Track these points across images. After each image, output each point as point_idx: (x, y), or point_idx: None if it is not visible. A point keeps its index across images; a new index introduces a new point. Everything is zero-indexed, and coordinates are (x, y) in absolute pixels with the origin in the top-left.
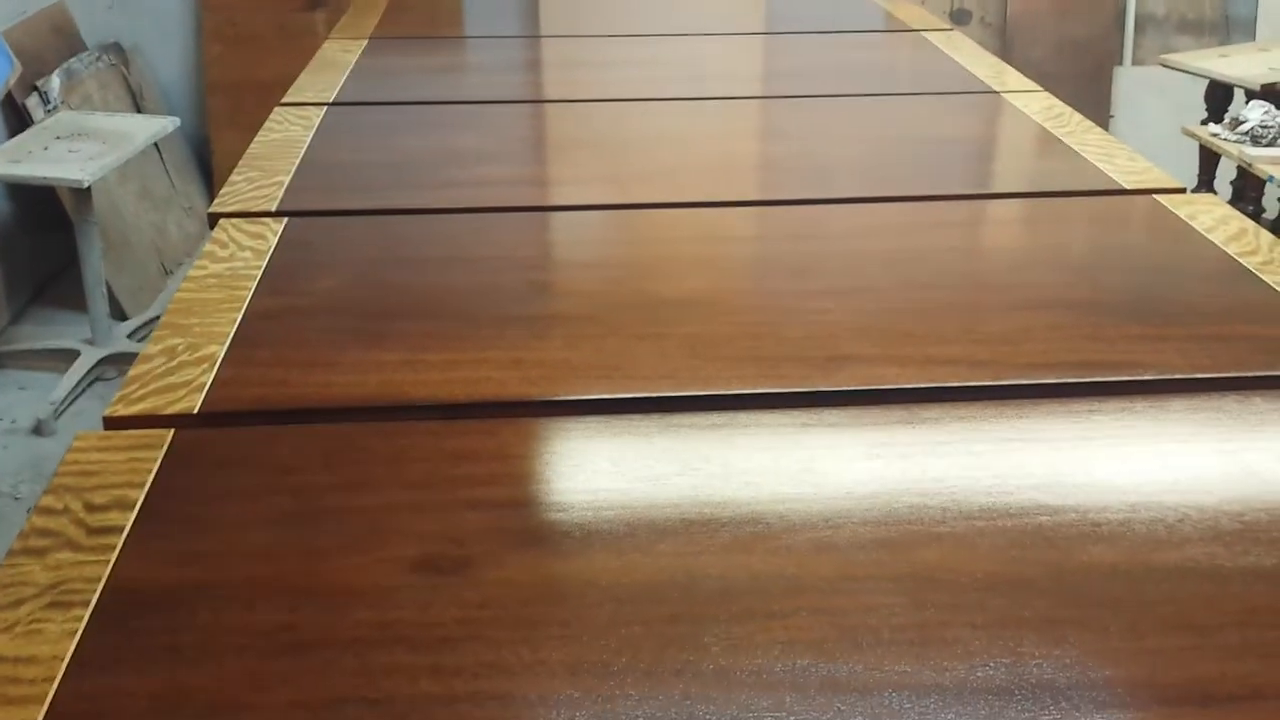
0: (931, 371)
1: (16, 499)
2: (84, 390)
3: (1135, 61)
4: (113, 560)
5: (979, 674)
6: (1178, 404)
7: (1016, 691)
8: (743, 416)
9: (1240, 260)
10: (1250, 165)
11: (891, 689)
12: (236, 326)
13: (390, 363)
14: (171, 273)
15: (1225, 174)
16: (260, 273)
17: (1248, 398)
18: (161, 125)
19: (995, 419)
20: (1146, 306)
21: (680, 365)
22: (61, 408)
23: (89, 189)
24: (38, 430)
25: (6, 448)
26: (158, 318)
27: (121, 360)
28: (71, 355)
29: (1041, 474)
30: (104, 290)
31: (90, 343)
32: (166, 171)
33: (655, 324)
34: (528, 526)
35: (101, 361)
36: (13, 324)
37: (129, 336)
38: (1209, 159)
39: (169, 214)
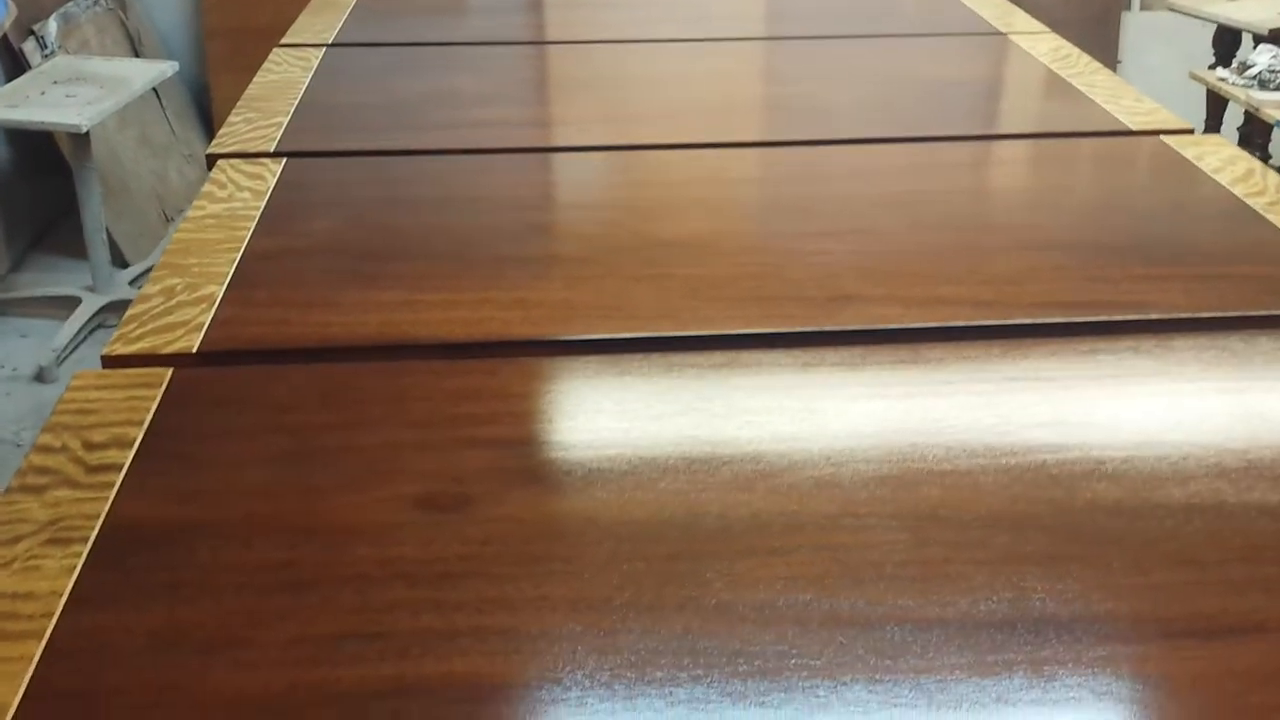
0: (935, 311)
1: (18, 446)
2: (85, 337)
3: (1143, 6)
4: (111, 497)
5: (981, 608)
6: (1182, 343)
7: (1019, 625)
8: (744, 356)
9: (1247, 201)
10: (1257, 110)
11: (893, 623)
12: (235, 266)
13: (389, 303)
14: (172, 220)
15: (1233, 119)
16: (259, 213)
17: (1253, 337)
18: (160, 70)
19: (999, 358)
20: (1152, 246)
21: (681, 306)
22: (63, 355)
23: (87, 134)
24: (39, 377)
25: (9, 395)
26: None
27: (123, 307)
28: (73, 302)
29: (1045, 412)
30: (104, 237)
31: (91, 290)
32: (166, 118)
33: (656, 265)
34: (529, 465)
35: (103, 309)
36: (13, 271)
37: (130, 284)
38: (1216, 104)
39: (169, 160)
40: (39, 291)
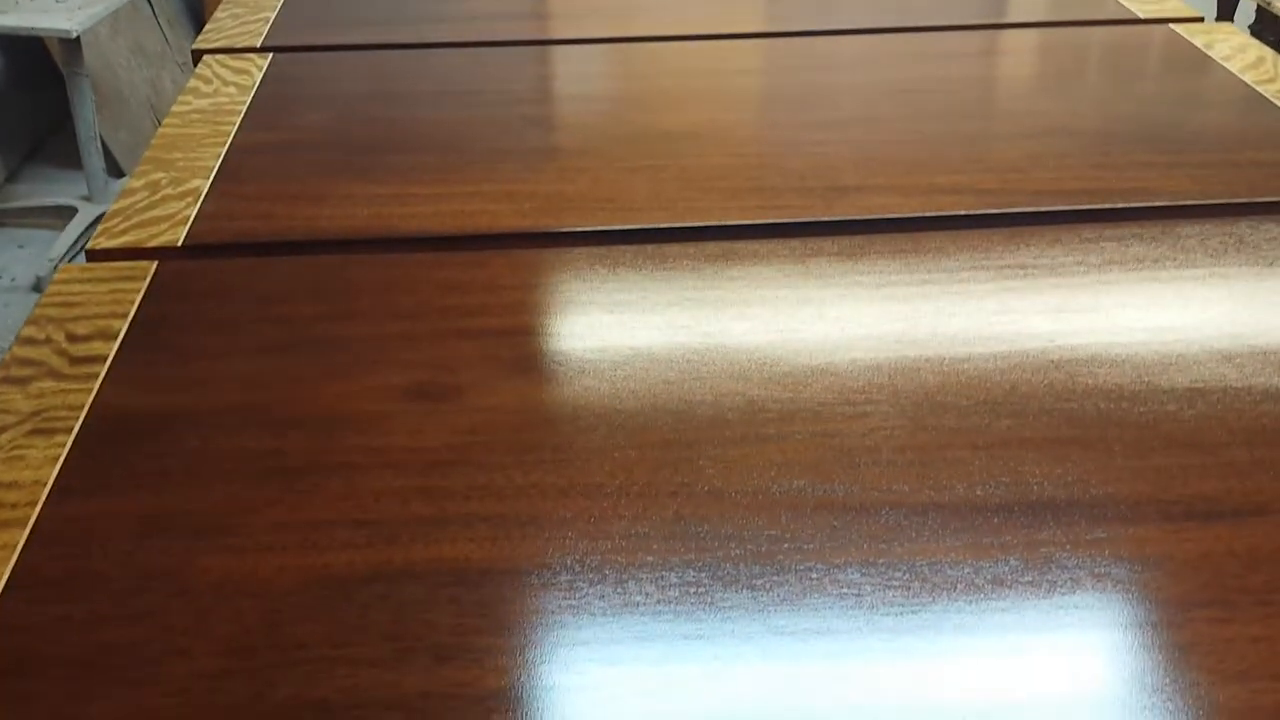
0: (936, 200)
1: None
2: (82, 247)
3: None
4: (96, 388)
5: (978, 493)
6: (1189, 229)
7: (1016, 509)
8: (741, 246)
9: (1257, 88)
10: (1269, 3)
11: (889, 507)
12: (221, 161)
13: (379, 196)
14: None
15: (1243, 18)
16: (245, 108)
17: (1260, 223)
18: None
19: (1001, 246)
20: (1159, 134)
21: (677, 197)
22: (60, 264)
23: (78, 40)
24: (37, 287)
25: (7, 305)
26: None
27: None
28: (69, 212)
29: (1047, 300)
30: (98, 145)
31: (88, 199)
32: (159, 25)
33: (651, 157)
34: (519, 355)
35: (99, 218)
36: (9, 182)
37: None
38: (1227, 2)
39: (163, 69)
40: (35, 202)
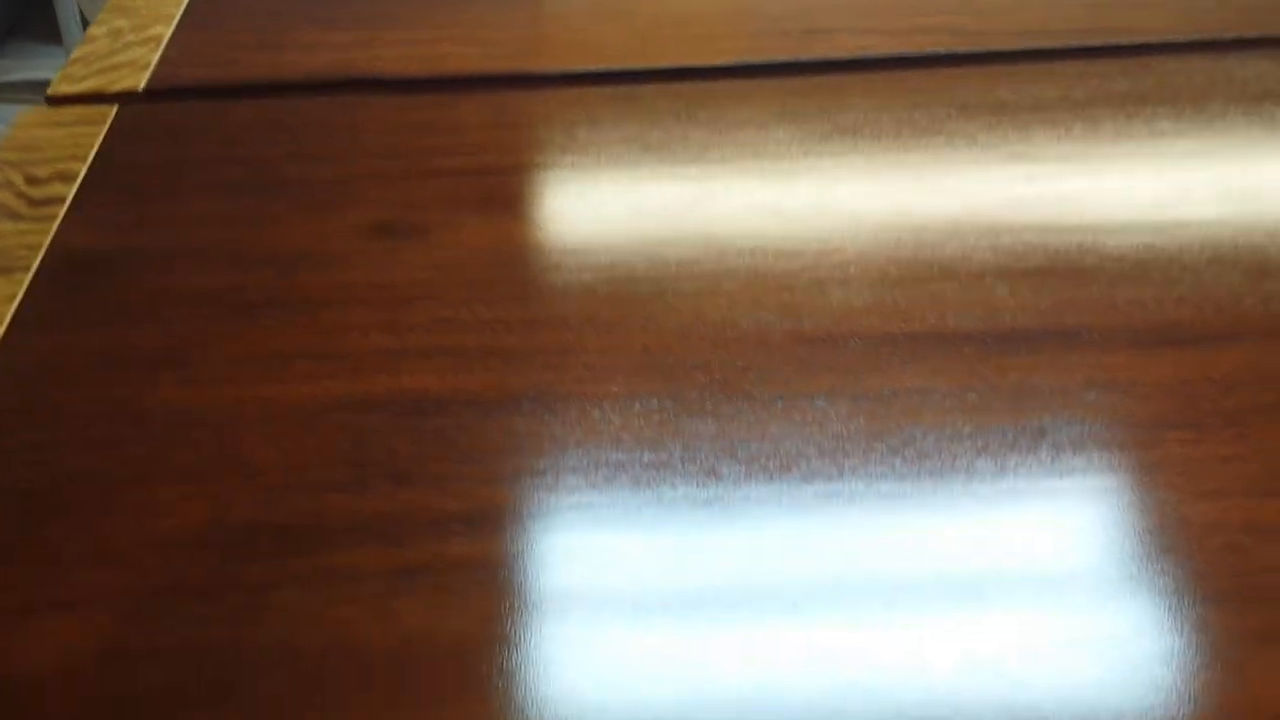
0: (916, 40)
1: None
2: None
3: None
4: (54, 228)
5: (950, 323)
6: (1174, 64)
7: (988, 338)
8: (715, 87)
9: None
10: None
11: (858, 338)
12: (184, 8)
13: (345, 43)
14: None
15: None
16: None
17: (1247, 59)
18: None
19: (982, 83)
20: None
21: (650, 40)
22: None
23: None
24: None
25: None
26: None
27: None
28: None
29: (1029, 135)
30: (78, 19)
31: None
32: None
33: (624, 1)
34: (488, 195)
35: None
36: None
37: None
38: None
39: None
40: (16, 76)
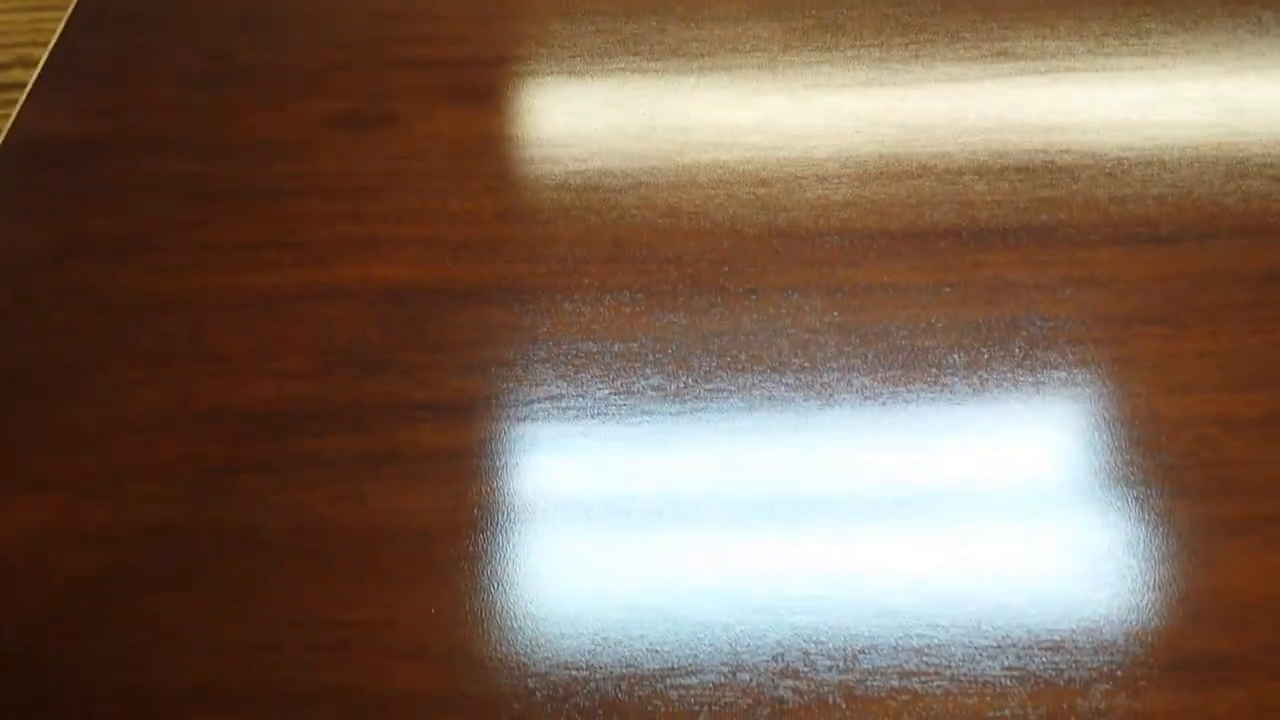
0: None
1: None
2: None
3: None
4: (14, 114)
5: (926, 218)
6: None
7: (964, 233)
8: None
9: None
10: None
11: (834, 233)
12: None
13: None
14: None
15: None
16: None
17: None
18: None
19: None
20: None
21: None
22: None
23: None
24: None
25: None
26: None
27: None
28: None
29: (1013, 33)
30: None
31: None
32: None
33: None
34: (459, 85)
35: None
36: None
37: None
38: None
39: None
40: None
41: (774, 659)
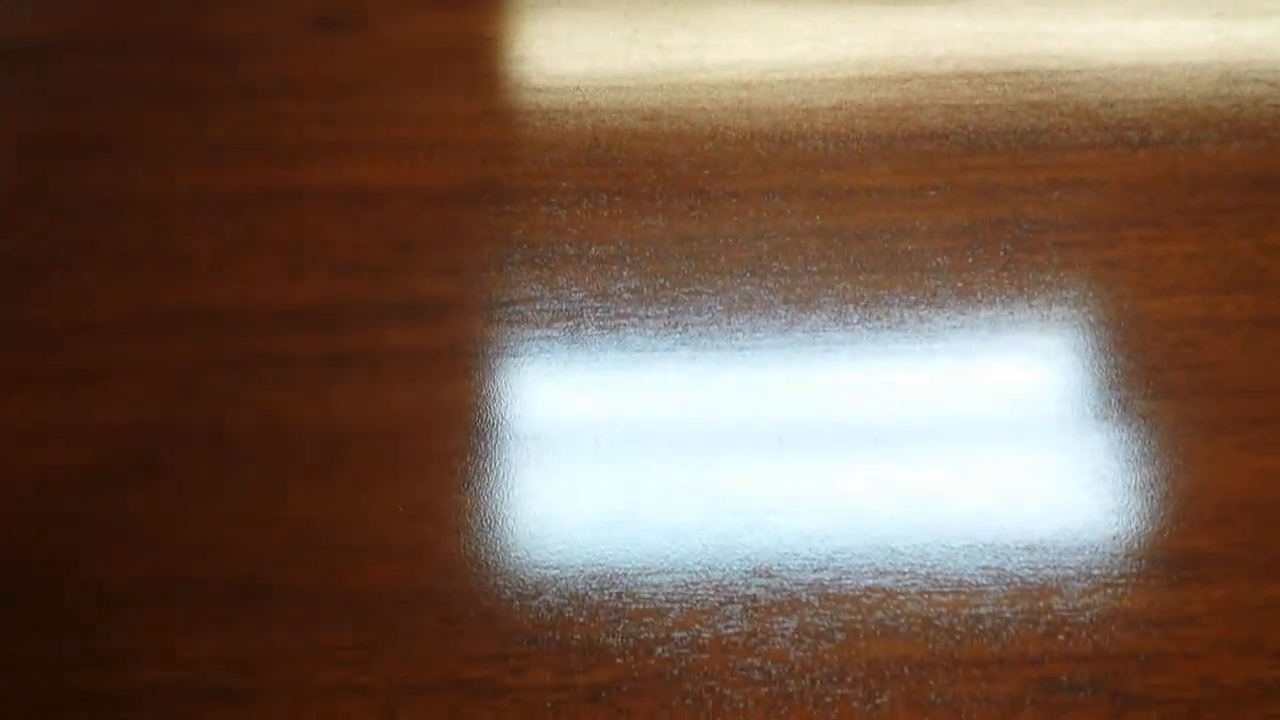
0: None
1: None
2: None
3: None
4: None
5: (912, 122)
6: None
7: (950, 137)
8: None
9: None
10: None
11: (819, 136)
12: None
13: None
14: None
15: None
16: None
17: None
18: None
19: None
20: None
21: None
22: None
23: None
24: None
25: None
26: None
27: None
28: None
29: None
30: None
31: None
32: None
33: None
34: None
35: None
36: None
37: None
38: None
39: None
40: None
41: (746, 559)
